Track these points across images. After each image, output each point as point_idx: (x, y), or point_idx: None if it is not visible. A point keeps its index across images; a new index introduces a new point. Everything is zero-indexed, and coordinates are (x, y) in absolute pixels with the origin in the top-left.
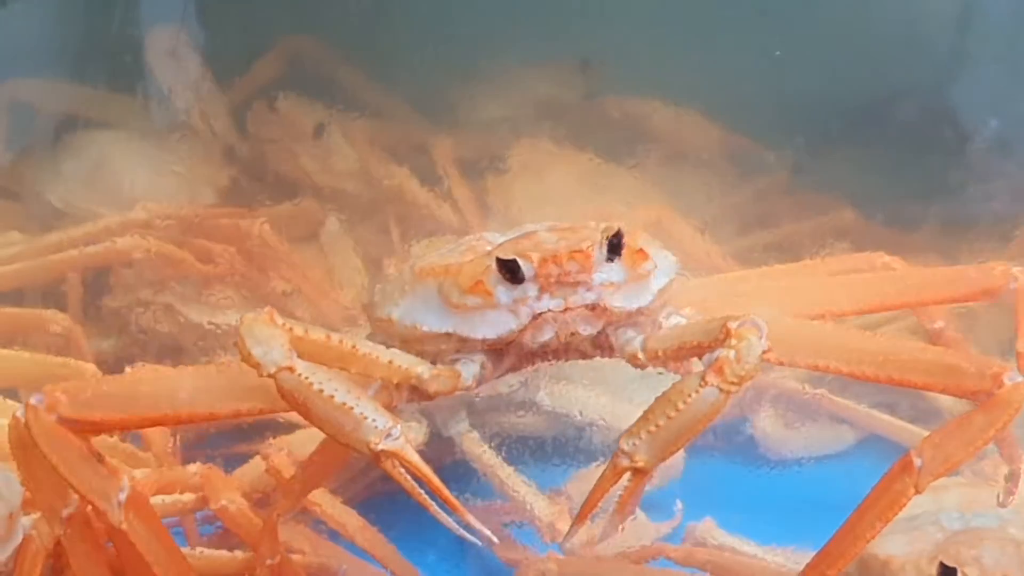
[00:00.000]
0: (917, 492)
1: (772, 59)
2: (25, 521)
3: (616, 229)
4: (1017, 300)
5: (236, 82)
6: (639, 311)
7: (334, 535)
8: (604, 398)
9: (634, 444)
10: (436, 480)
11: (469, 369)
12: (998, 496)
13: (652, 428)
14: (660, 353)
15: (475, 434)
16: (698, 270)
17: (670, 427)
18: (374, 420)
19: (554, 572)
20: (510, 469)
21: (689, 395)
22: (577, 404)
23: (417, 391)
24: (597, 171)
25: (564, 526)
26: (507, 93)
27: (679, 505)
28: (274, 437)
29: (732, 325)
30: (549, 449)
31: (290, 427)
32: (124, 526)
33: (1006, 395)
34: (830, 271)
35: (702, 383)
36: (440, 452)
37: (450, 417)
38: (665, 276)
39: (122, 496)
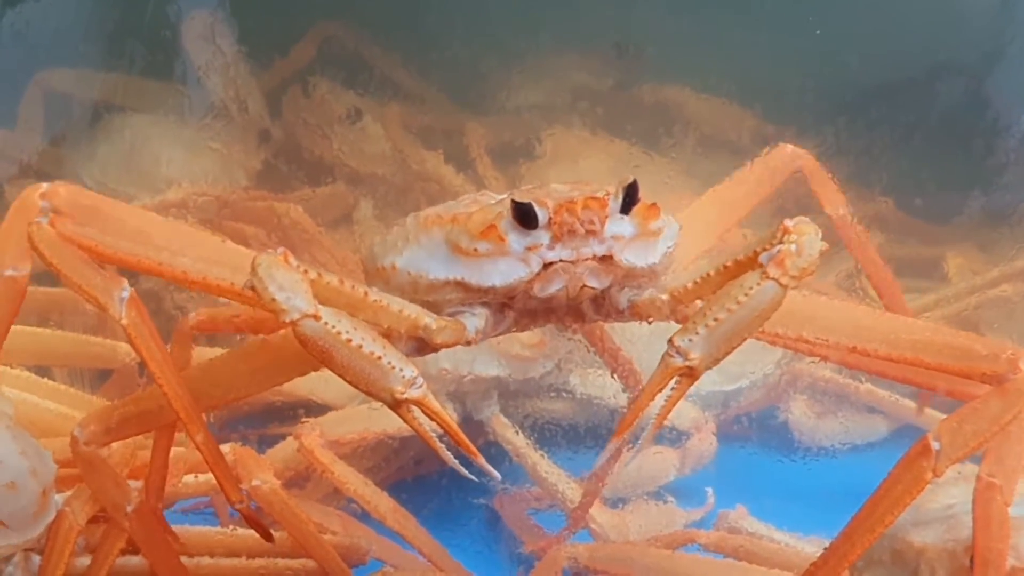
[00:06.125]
0: (935, 476)
1: (808, 45)
2: (58, 498)
3: (632, 180)
4: None
5: (271, 67)
6: (645, 270)
7: (365, 516)
8: None
9: (689, 340)
10: (454, 426)
11: (472, 322)
12: None
13: (710, 323)
14: (689, 286)
15: (504, 418)
16: None
17: (728, 322)
18: (401, 370)
19: (584, 557)
20: (539, 453)
21: (750, 288)
22: (607, 389)
23: (420, 342)
24: (630, 158)
25: (594, 512)
26: (542, 79)
27: (710, 492)
28: (307, 418)
29: (789, 223)
30: (580, 434)
31: (322, 408)
32: (125, 321)
33: (1022, 380)
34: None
35: (763, 276)
36: (471, 435)
37: (481, 400)
38: (671, 240)
39: (124, 294)
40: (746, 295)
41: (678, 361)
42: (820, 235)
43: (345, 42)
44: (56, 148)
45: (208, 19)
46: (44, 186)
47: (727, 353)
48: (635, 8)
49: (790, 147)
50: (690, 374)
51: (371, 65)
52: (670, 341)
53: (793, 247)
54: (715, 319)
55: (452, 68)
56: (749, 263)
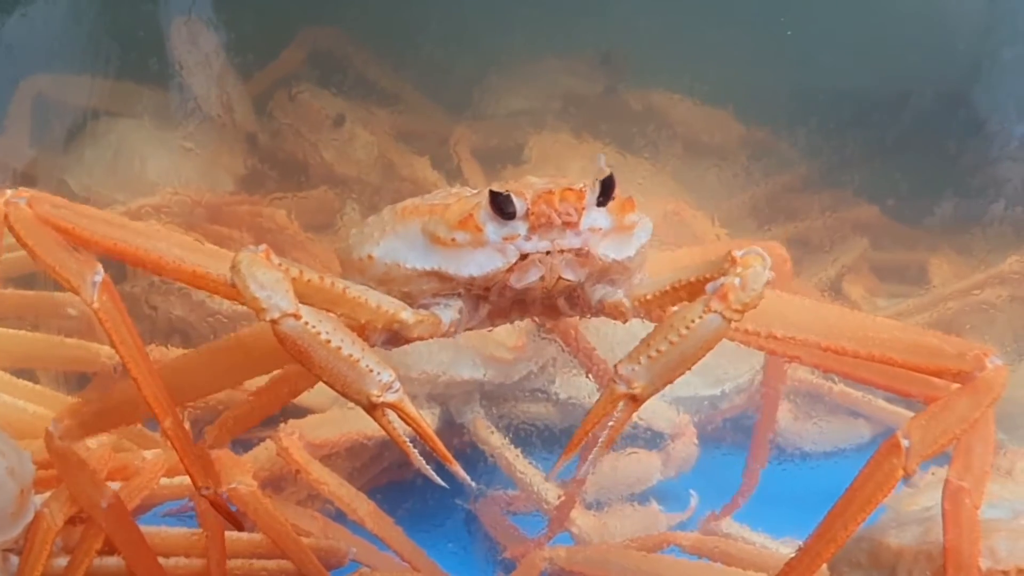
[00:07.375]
0: (906, 474)
1: (793, 52)
2: (37, 499)
3: (608, 173)
4: None
5: (258, 72)
6: (620, 264)
7: (341, 517)
8: None
9: (633, 369)
10: (430, 431)
11: (447, 314)
12: None
13: (652, 354)
14: (649, 297)
15: (487, 421)
16: None
17: (671, 353)
18: (378, 373)
19: (562, 559)
20: (516, 452)
21: (692, 321)
22: (590, 393)
23: (394, 334)
24: (616, 163)
25: (575, 515)
26: (528, 85)
27: (694, 496)
28: (286, 421)
29: (737, 253)
30: (560, 438)
31: (302, 411)
32: (96, 305)
33: (988, 378)
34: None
35: (706, 310)
36: (450, 436)
37: (463, 404)
38: (645, 235)
39: (96, 278)
40: (687, 328)
41: (622, 388)
42: (768, 266)
43: (333, 47)
44: (43, 153)
45: (196, 24)
46: (8, 193)
47: (670, 381)
48: (621, 13)
49: (779, 248)
50: (634, 400)
51: (359, 70)
52: (615, 368)
53: (737, 281)
54: (657, 350)
55: (439, 73)
56: (701, 286)
